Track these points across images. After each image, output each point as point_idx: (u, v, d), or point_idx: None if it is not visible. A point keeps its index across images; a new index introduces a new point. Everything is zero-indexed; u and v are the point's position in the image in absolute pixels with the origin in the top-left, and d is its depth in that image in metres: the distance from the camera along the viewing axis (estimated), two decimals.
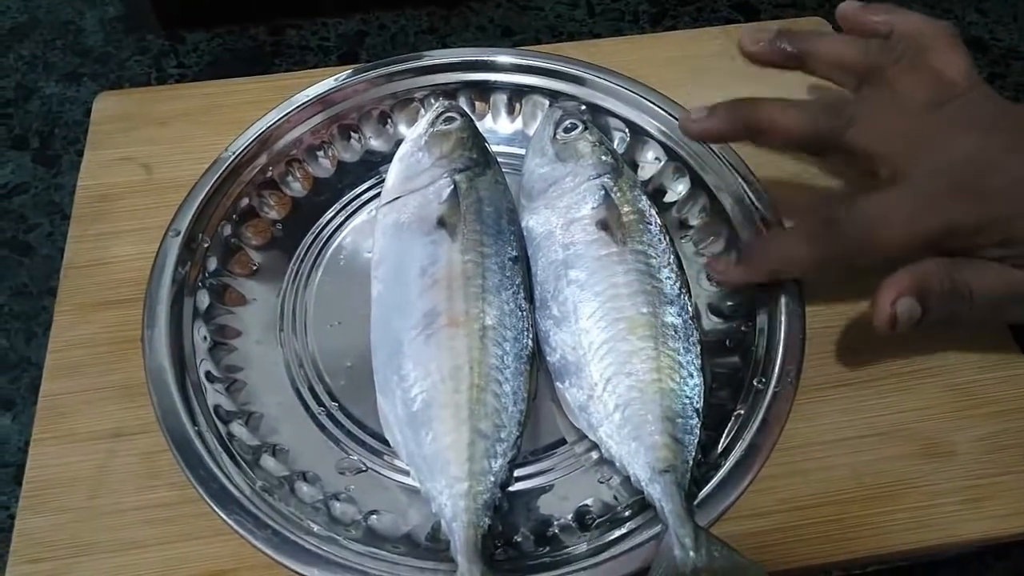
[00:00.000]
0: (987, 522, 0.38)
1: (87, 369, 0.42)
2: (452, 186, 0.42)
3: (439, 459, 0.35)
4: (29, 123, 0.56)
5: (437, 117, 0.46)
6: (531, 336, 0.39)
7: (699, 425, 0.37)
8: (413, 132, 0.46)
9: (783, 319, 0.40)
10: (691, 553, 0.33)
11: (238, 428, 0.38)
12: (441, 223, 0.41)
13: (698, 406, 0.37)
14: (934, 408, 0.41)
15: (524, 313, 0.40)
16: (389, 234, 0.42)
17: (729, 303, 0.43)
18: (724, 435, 0.37)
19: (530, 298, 0.41)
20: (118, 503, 0.38)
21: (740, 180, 0.45)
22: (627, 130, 0.49)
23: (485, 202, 0.43)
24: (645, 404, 0.36)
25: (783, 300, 0.41)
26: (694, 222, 0.46)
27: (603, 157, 0.44)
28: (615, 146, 0.48)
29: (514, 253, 0.41)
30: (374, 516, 0.37)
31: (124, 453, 0.39)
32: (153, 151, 0.50)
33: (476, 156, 0.44)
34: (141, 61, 0.60)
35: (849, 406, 0.41)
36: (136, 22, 0.62)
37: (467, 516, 0.33)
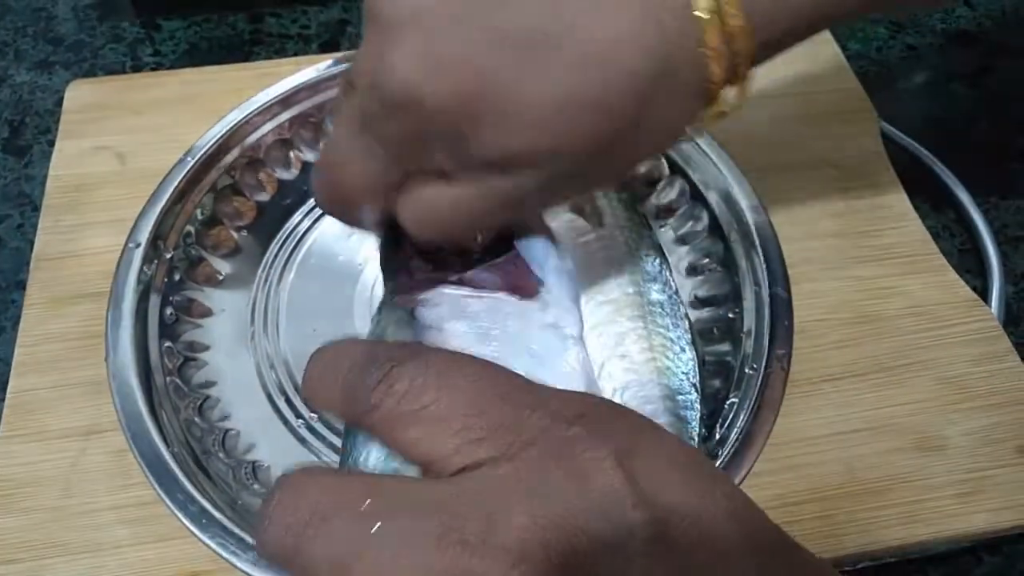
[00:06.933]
0: (979, 516, 0.38)
1: (58, 364, 0.41)
2: None
3: None
4: None
5: None
6: None
7: (699, 400, 0.36)
8: None
9: (768, 303, 0.39)
10: None
11: (213, 445, 0.37)
12: None
13: (695, 381, 0.36)
14: (926, 402, 0.41)
15: None
16: None
17: (712, 291, 0.42)
18: (718, 424, 0.36)
19: None
20: (92, 502, 0.37)
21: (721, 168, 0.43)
22: None
23: None
24: (643, 386, 0.36)
25: (767, 284, 0.39)
26: (674, 207, 0.45)
27: None
28: None
29: None
30: None
31: (97, 451, 0.38)
32: (127, 140, 0.49)
33: None
34: (116, 49, 0.58)
35: (840, 400, 0.41)
36: (110, 9, 0.60)
37: None
